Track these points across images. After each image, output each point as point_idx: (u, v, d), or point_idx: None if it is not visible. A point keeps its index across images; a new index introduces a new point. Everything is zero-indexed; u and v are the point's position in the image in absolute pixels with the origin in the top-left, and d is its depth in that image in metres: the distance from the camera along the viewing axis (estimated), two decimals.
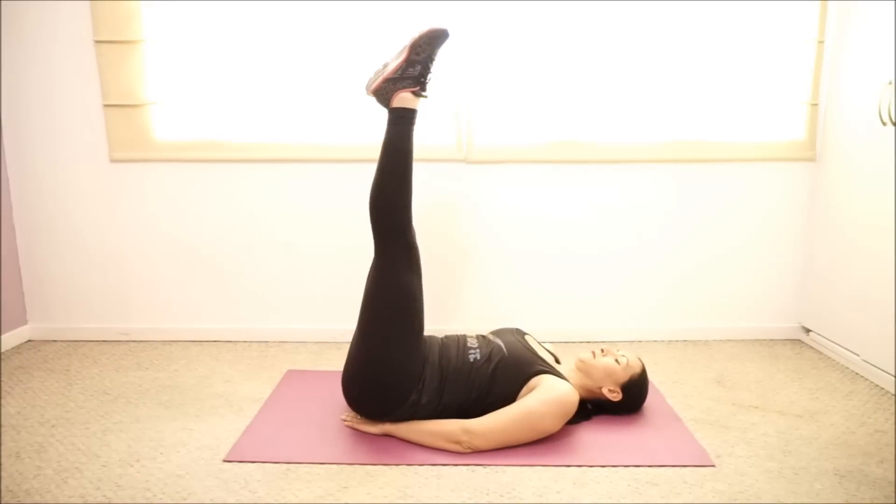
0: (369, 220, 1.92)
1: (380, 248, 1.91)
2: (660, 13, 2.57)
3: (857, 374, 2.39)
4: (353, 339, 1.92)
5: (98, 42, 2.57)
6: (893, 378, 2.20)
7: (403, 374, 1.83)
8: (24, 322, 2.80)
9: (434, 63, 1.92)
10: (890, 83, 2.21)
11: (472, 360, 1.91)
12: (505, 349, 1.94)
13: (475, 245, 2.76)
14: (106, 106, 2.63)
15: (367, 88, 1.95)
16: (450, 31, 1.91)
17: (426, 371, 1.88)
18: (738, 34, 2.58)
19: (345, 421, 1.96)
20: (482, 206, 2.72)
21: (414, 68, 1.88)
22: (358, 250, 2.74)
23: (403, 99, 1.89)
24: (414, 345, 1.87)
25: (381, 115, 2.61)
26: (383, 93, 1.91)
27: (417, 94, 1.90)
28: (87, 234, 2.75)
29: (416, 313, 1.88)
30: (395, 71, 1.89)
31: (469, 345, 1.98)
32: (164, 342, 2.77)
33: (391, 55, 1.95)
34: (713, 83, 2.62)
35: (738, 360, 2.55)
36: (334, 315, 2.75)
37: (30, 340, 2.79)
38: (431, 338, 2.05)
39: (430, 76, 1.91)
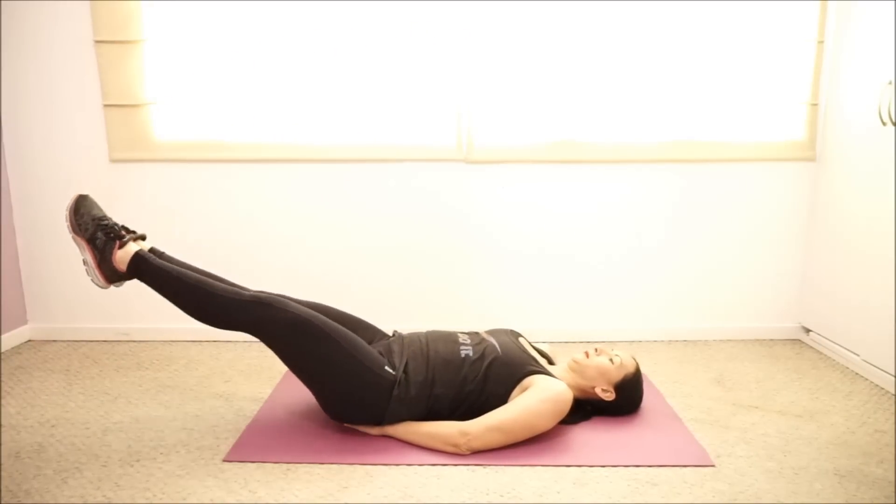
0: None
1: (242, 329, 1.87)
2: (660, 13, 2.57)
3: (857, 374, 2.39)
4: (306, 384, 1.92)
5: (98, 42, 2.57)
6: (893, 378, 2.20)
7: (366, 376, 1.82)
8: (24, 322, 2.80)
9: (102, 217, 1.90)
10: (890, 83, 2.21)
11: (463, 355, 1.92)
12: (499, 349, 1.94)
13: (475, 245, 2.76)
14: (106, 106, 2.63)
15: (103, 286, 1.91)
16: (84, 193, 1.92)
17: (408, 365, 1.89)
18: (738, 34, 2.59)
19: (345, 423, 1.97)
20: (482, 206, 2.72)
21: (98, 239, 1.87)
22: (357, 250, 2.75)
23: (122, 260, 1.87)
24: (349, 348, 1.83)
25: (380, 115, 2.64)
26: (110, 274, 1.89)
27: (124, 244, 1.88)
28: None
29: (319, 326, 1.82)
30: (95, 257, 1.87)
31: (460, 341, 1.99)
32: (164, 342, 2.77)
33: (79, 252, 1.92)
34: (713, 83, 2.62)
35: (738, 360, 2.55)
36: None
37: (30, 340, 2.79)
38: (413, 334, 2.07)
39: (110, 225, 1.89)
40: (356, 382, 1.82)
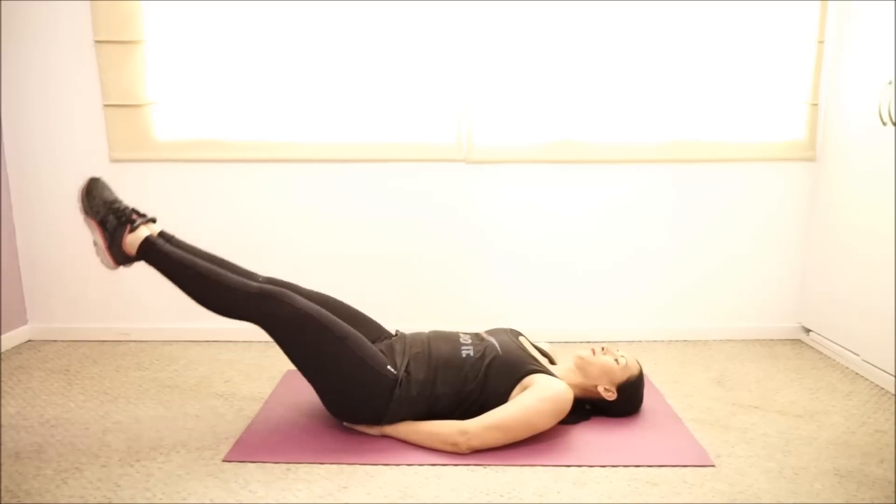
0: None
1: (245, 319, 1.87)
2: (660, 13, 2.57)
3: (857, 374, 2.39)
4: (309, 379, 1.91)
5: (98, 42, 2.57)
6: (893, 378, 2.20)
7: (368, 375, 1.82)
8: (24, 322, 2.80)
9: (114, 200, 1.90)
10: (890, 83, 2.21)
11: (464, 355, 1.92)
12: (499, 348, 1.95)
13: (475, 244, 2.76)
14: (106, 106, 2.63)
15: (110, 267, 1.91)
16: (96, 176, 1.90)
17: (409, 364, 1.89)
18: (738, 34, 2.59)
19: (344, 422, 1.96)
20: (482, 206, 2.73)
21: (109, 223, 1.87)
22: (357, 250, 2.75)
23: (132, 244, 1.87)
24: (353, 346, 1.83)
25: (381, 114, 2.64)
26: (119, 257, 1.89)
27: (135, 228, 1.88)
28: (87, 235, 2.74)
29: (322, 323, 1.83)
30: (105, 240, 1.87)
31: (462, 341, 1.99)
32: (164, 342, 2.77)
33: (90, 234, 1.91)
34: (713, 83, 2.62)
35: (738, 360, 2.55)
36: None
37: (30, 340, 2.79)
38: (415, 334, 2.07)
39: (121, 208, 1.89)
40: (358, 380, 1.82)
